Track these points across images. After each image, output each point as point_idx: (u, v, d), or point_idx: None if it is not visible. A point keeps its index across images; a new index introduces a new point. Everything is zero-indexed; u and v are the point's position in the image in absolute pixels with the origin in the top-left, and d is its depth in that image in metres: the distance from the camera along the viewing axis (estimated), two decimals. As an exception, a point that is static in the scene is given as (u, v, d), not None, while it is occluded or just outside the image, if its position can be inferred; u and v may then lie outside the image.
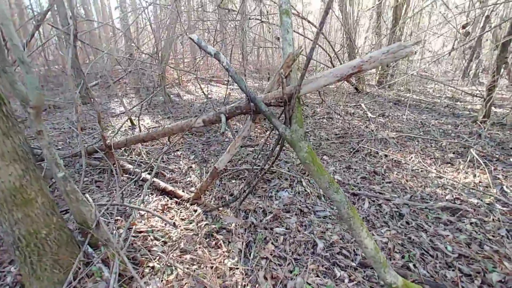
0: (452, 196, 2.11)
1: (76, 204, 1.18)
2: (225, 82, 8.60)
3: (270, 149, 2.06)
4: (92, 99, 1.83)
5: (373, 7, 8.60)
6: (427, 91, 6.95)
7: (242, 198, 1.66)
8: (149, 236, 1.59)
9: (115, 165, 2.12)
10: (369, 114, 4.03)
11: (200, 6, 5.80)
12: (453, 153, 2.90)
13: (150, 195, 2.06)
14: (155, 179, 2.14)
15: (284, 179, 2.30)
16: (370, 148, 2.92)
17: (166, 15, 5.74)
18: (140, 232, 1.63)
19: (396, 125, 3.73)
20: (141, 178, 2.16)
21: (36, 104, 0.95)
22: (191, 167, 2.54)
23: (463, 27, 3.01)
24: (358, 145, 3.01)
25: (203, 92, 6.50)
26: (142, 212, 1.80)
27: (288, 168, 2.48)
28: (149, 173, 2.33)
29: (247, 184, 1.64)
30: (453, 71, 8.92)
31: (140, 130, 3.70)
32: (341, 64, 5.70)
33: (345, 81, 6.58)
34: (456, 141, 3.13)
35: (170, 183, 2.23)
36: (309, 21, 5.16)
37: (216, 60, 1.09)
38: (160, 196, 2.04)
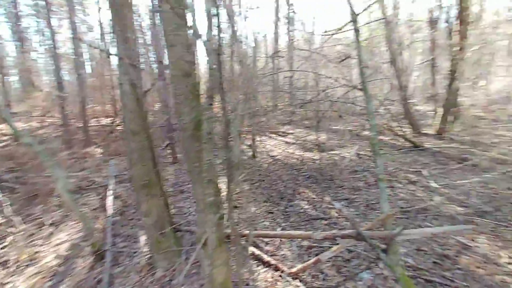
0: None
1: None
2: (282, 134, 9.54)
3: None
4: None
5: (423, 62, 8.94)
6: (502, 139, 6.59)
7: None
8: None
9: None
10: (433, 184, 4.29)
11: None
12: (528, 235, 3.01)
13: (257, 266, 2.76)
14: (259, 252, 2.85)
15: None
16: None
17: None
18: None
19: (462, 197, 3.91)
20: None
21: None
22: (280, 239, 3.21)
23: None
24: (424, 222, 3.33)
25: (265, 149, 7.36)
26: None
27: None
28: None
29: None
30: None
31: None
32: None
33: (401, 138, 6.84)
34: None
35: (269, 255, 2.92)
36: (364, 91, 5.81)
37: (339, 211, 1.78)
38: (266, 268, 2.72)
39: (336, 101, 4.37)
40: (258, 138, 8.32)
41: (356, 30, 2.01)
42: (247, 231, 2.76)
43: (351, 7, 2.14)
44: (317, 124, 4.56)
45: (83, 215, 2.85)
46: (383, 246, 1.67)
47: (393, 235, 1.60)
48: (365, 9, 3.20)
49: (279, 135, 9.36)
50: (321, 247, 3.03)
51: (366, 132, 8.32)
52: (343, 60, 4.58)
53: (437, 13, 7.10)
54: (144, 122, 2.60)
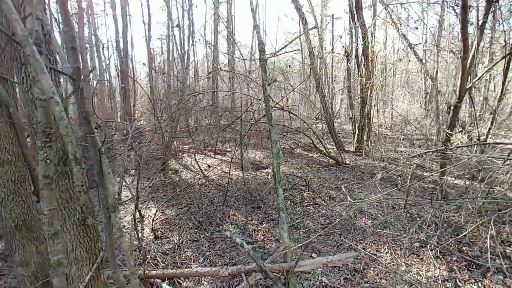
0: (417, 295, 2.63)
1: None
2: (219, 152, 9.39)
3: None
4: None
5: (342, 88, 10.24)
6: (399, 157, 7.84)
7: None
8: None
9: None
10: (349, 199, 4.71)
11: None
12: (419, 241, 3.50)
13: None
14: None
15: None
16: (350, 243, 3.48)
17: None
18: None
19: (372, 210, 4.39)
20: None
21: None
22: (202, 272, 2.96)
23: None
24: (340, 237, 3.57)
25: (200, 169, 7.09)
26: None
27: None
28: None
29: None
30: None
31: (142, 217, 4.17)
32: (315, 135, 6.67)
33: (326, 156, 7.48)
34: (416, 236, 3.68)
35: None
36: (292, 113, 6.21)
37: (241, 247, 1.70)
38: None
39: (257, 122, 4.50)
40: (194, 157, 7.97)
41: (263, 60, 2.08)
42: (156, 271, 2.44)
43: (260, 40, 2.21)
44: (241, 143, 4.59)
45: None
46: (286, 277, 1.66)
47: (290, 267, 1.59)
48: (285, 45, 3.41)
49: (216, 153, 9.18)
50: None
51: (298, 150, 8.85)
52: (269, 84, 4.81)
53: (349, 49, 8.30)
54: (21, 148, 2.11)
